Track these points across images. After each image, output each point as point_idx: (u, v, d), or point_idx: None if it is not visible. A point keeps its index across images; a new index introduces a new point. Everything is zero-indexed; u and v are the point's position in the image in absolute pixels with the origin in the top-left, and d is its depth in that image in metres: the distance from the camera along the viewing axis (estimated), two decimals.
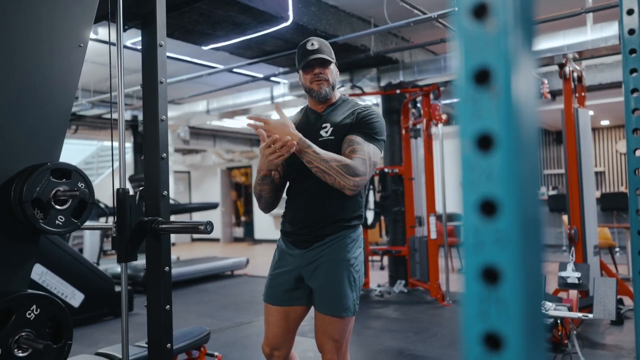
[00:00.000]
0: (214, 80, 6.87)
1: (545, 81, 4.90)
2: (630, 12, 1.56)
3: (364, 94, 5.86)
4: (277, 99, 7.03)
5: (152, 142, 1.76)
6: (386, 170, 5.62)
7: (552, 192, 9.73)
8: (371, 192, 5.74)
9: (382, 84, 5.88)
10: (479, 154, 0.44)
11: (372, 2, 4.77)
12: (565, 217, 5.50)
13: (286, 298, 1.91)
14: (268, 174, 1.86)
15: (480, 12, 0.44)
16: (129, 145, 9.32)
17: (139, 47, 1.84)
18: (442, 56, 5.62)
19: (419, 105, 5.65)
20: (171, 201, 4.43)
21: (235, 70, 5.94)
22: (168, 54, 1.84)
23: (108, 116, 8.20)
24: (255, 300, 5.52)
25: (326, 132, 1.88)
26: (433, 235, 4.97)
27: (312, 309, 1.92)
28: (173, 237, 12.29)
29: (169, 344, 1.73)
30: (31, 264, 1.44)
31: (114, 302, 4.69)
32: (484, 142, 0.44)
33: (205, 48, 4.89)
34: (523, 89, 0.43)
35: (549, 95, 5.18)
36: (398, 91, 5.58)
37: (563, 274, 3.53)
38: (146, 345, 1.82)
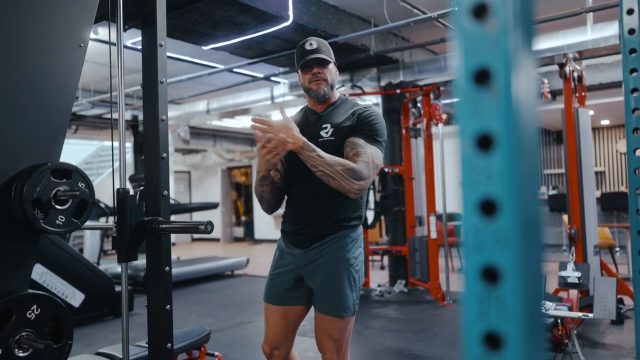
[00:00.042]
0: (214, 80, 6.87)
1: (546, 81, 4.91)
2: (630, 11, 1.56)
3: (364, 93, 5.86)
4: (277, 99, 7.03)
5: (153, 142, 1.76)
6: (386, 170, 5.62)
7: (552, 192, 9.73)
8: (371, 192, 5.75)
9: (382, 83, 5.88)
10: (479, 153, 0.44)
11: (372, 1, 4.77)
12: (565, 217, 5.50)
13: (286, 297, 1.91)
14: (267, 175, 1.86)
15: (480, 12, 0.44)
16: (129, 145, 9.32)
17: (139, 47, 1.84)
18: (442, 56, 5.62)
19: (419, 105, 5.65)
20: (171, 201, 4.43)
21: (235, 70, 5.94)
22: (168, 53, 1.85)
23: (108, 116, 8.21)
24: (255, 300, 5.52)
25: (326, 132, 1.88)
26: (433, 235, 4.97)
27: (312, 308, 1.92)
28: (173, 237, 12.30)
29: (170, 344, 1.73)
30: (31, 264, 1.44)
31: (114, 302, 4.69)
32: (484, 142, 0.44)
33: (205, 48, 4.89)
34: (523, 88, 0.43)
35: (549, 95, 5.18)
36: (398, 91, 5.58)
37: (563, 273, 3.53)
38: (146, 345, 1.82)
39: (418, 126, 5.63)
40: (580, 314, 2.92)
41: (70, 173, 1.44)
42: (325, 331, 1.83)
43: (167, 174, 1.78)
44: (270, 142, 1.71)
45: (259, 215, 12.81)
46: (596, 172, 10.35)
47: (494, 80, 0.43)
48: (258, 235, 12.98)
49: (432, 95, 5.16)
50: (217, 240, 13.40)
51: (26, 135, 1.41)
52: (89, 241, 7.03)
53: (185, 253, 10.24)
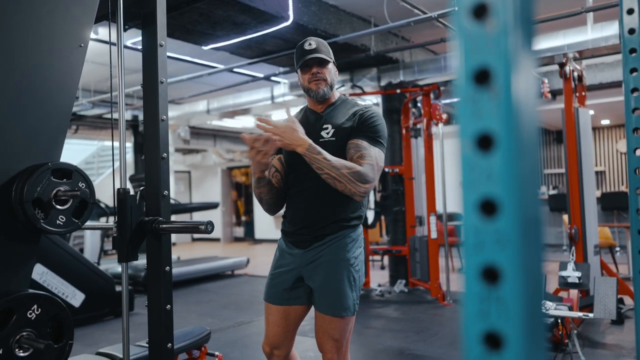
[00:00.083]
0: (214, 80, 6.87)
1: (546, 80, 4.91)
2: (630, 11, 1.56)
3: (364, 93, 5.86)
4: (278, 99, 7.03)
5: (153, 142, 1.76)
6: (387, 169, 5.62)
7: (552, 192, 9.73)
8: (371, 192, 5.74)
9: (383, 83, 5.88)
10: (479, 153, 0.44)
11: (372, 1, 4.77)
12: (565, 217, 5.50)
13: (286, 297, 1.91)
14: (262, 176, 1.86)
15: (480, 12, 0.44)
16: (129, 145, 9.32)
17: (140, 47, 1.84)
18: (442, 56, 5.62)
19: (419, 104, 5.65)
20: (172, 201, 4.43)
21: (235, 70, 5.94)
22: (168, 53, 1.85)
23: (108, 116, 8.21)
24: (255, 300, 5.52)
25: (327, 133, 1.88)
26: (433, 235, 4.97)
27: (313, 308, 1.92)
28: (173, 237, 12.28)
29: (170, 344, 1.73)
30: (32, 264, 1.44)
31: (114, 302, 4.69)
32: (484, 142, 0.44)
33: (205, 48, 4.89)
34: (523, 88, 0.43)
35: (549, 95, 5.18)
36: (398, 91, 5.58)
37: (563, 273, 3.53)
38: (147, 345, 1.82)
39: (418, 126, 5.63)
40: (580, 314, 2.92)
41: (71, 173, 1.44)
42: (326, 331, 1.83)
43: (168, 174, 1.78)
44: (256, 142, 1.71)
45: (259, 215, 12.81)
46: (596, 172, 10.35)
47: (494, 80, 0.44)
48: (258, 235, 12.98)
49: (432, 95, 5.16)
50: (217, 240, 13.40)
51: (26, 135, 1.41)
52: (90, 241, 7.03)
53: (185, 253, 10.24)
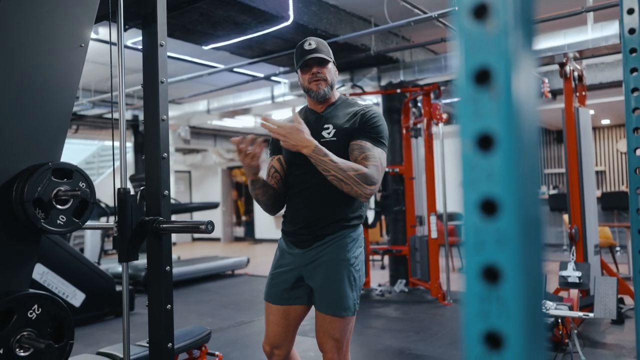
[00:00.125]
0: (215, 80, 6.87)
1: (546, 80, 4.90)
2: (630, 11, 1.56)
3: (364, 93, 5.86)
4: (278, 99, 7.04)
5: (153, 142, 1.76)
6: (387, 169, 5.62)
7: (552, 192, 9.73)
8: None
9: (383, 83, 5.88)
10: (479, 153, 0.44)
11: (372, 1, 4.77)
12: (565, 216, 5.50)
13: (286, 297, 1.91)
14: (255, 178, 1.86)
15: (480, 12, 0.44)
16: (129, 145, 9.32)
17: (140, 46, 1.84)
18: (442, 55, 5.62)
19: (419, 104, 5.65)
20: (172, 201, 4.43)
21: (235, 69, 5.94)
22: (168, 53, 1.85)
23: (109, 116, 8.21)
24: (255, 300, 5.52)
25: (328, 133, 1.87)
26: (434, 235, 4.97)
27: (313, 308, 1.92)
28: (174, 237, 12.29)
29: (170, 344, 1.73)
30: (32, 264, 1.44)
31: (115, 302, 4.70)
32: (484, 142, 0.44)
33: (205, 48, 4.89)
34: (523, 88, 0.43)
35: (549, 95, 5.18)
36: (398, 90, 5.58)
37: (564, 273, 3.53)
38: (147, 345, 1.82)
39: (418, 126, 5.62)
40: (580, 314, 2.93)
41: (71, 173, 1.45)
42: (326, 331, 1.83)
43: (168, 173, 1.79)
44: (242, 144, 1.72)
45: (260, 215, 12.82)
46: (597, 172, 10.34)
47: (494, 80, 0.44)
48: (258, 235, 12.98)
49: (432, 95, 5.16)
50: (217, 240, 13.40)
51: (27, 135, 1.42)
52: (90, 241, 7.04)
53: (185, 253, 10.24)
